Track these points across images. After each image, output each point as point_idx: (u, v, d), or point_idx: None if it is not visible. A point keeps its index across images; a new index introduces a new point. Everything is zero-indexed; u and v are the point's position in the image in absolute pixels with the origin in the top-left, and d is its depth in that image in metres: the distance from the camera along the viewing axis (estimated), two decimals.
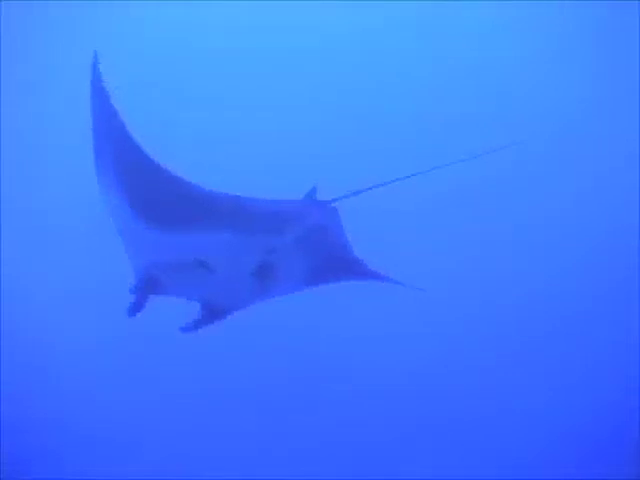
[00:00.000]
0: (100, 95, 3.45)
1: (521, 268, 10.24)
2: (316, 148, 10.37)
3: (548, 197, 10.45)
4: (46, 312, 9.99)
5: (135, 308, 3.62)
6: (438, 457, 9.48)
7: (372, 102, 10.96)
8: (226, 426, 9.67)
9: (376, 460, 9.59)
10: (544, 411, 9.67)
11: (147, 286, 3.62)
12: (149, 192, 3.48)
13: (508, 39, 10.64)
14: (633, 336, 9.54)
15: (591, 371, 9.71)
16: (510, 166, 9.98)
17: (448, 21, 10.70)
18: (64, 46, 9.92)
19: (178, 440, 9.68)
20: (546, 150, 10.41)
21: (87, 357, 9.92)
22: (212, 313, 3.72)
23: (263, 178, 7.69)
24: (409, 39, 10.86)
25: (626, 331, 9.62)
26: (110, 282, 8.58)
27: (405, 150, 9.84)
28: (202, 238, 3.50)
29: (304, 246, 3.69)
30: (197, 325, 3.71)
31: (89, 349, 9.94)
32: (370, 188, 3.84)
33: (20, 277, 10.02)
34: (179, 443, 9.68)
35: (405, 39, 10.88)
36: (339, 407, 9.68)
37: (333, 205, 3.88)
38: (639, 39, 9.56)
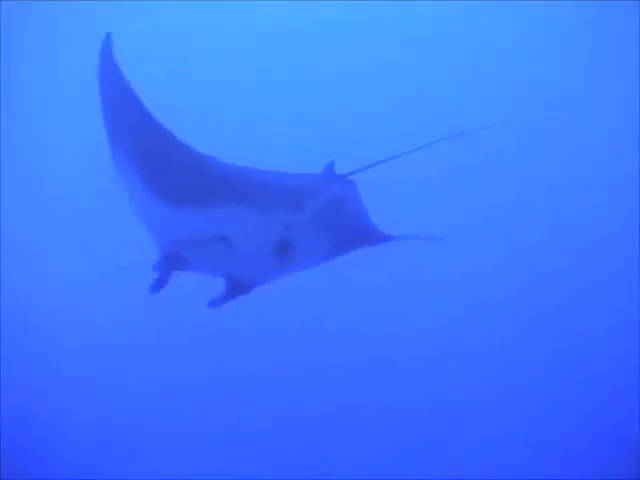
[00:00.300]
0: (110, 71, 3.43)
1: (522, 256, 10.32)
2: (332, 123, 10.46)
3: (548, 183, 10.55)
4: (57, 300, 10.02)
5: (158, 284, 3.66)
6: (437, 453, 9.50)
7: (385, 78, 11.14)
8: (240, 408, 9.69)
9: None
10: (544, 411, 9.71)
11: (169, 262, 3.64)
12: (165, 169, 3.44)
13: (511, 28, 10.81)
14: (634, 335, 9.58)
15: (591, 370, 9.77)
16: (516, 145, 10.14)
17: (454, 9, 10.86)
18: (72, 30, 9.98)
19: (192, 429, 9.75)
20: (547, 136, 10.54)
21: (91, 350, 9.95)
22: (236, 288, 3.77)
23: (281, 153, 7.73)
24: (420, 21, 11.01)
25: (627, 329, 9.67)
26: (125, 265, 8.68)
27: (418, 123, 9.87)
28: (221, 213, 3.48)
29: (323, 220, 3.71)
30: (222, 300, 3.77)
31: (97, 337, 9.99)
32: (385, 160, 3.82)
33: (32, 263, 10.06)
34: (193, 432, 9.75)
35: (416, 21, 11.02)
36: (354, 381, 9.81)
37: (350, 178, 3.87)
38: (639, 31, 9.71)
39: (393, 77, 11.09)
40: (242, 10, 11.00)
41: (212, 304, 3.77)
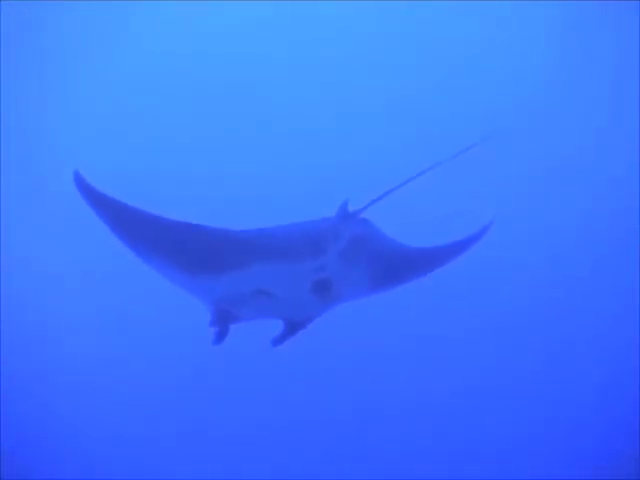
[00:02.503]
0: (96, 199, 3.74)
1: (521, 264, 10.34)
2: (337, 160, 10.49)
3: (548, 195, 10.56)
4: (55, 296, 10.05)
5: (219, 338, 3.93)
6: (438, 451, 9.59)
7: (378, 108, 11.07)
8: (244, 411, 9.77)
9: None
10: (544, 412, 9.76)
11: (221, 319, 3.89)
12: (190, 252, 3.77)
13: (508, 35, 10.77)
14: (634, 336, 9.62)
15: (592, 369, 9.82)
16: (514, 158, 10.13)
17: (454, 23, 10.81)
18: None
19: (191, 430, 9.81)
20: (547, 145, 10.55)
21: (90, 350, 9.97)
22: (294, 326, 3.97)
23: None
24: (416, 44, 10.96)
25: (628, 330, 9.71)
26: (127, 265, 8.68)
27: (418, 150, 9.86)
28: (252, 272, 3.75)
29: (351, 257, 3.90)
30: (284, 337, 3.98)
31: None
32: (387, 193, 3.98)
33: (33, 265, 10.05)
34: (193, 433, 9.82)
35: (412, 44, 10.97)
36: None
37: (362, 216, 4.02)
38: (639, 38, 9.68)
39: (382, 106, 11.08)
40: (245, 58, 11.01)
41: (275, 342, 3.97)
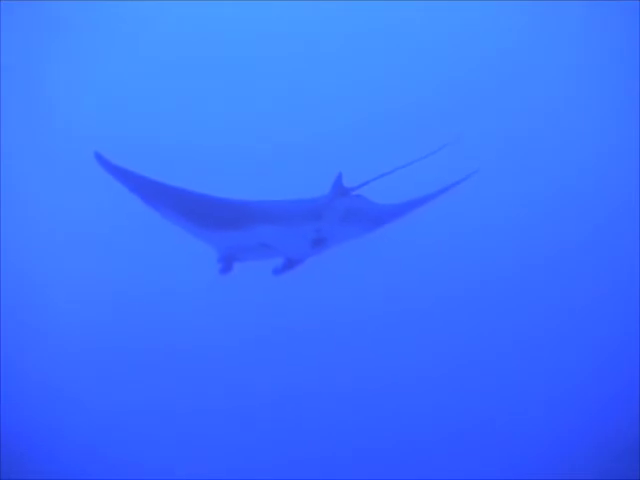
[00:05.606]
0: (120, 173, 4.33)
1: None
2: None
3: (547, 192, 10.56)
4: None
5: (224, 270, 4.70)
6: (439, 449, 9.55)
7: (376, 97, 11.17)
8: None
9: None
10: (544, 412, 9.73)
11: (227, 259, 4.68)
12: (206, 214, 4.45)
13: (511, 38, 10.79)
14: (634, 336, 9.58)
15: (592, 369, 9.79)
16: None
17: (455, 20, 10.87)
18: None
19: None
20: (547, 137, 10.57)
21: (90, 349, 9.99)
22: (292, 262, 4.69)
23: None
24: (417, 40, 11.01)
25: (627, 330, 9.68)
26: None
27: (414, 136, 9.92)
28: (257, 231, 4.46)
29: (345, 222, 4.51)
30: (283, 269, 4.74)
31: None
32: (382, 175, 4.38)
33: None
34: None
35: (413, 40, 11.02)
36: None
37: (356, 193, 4.44)
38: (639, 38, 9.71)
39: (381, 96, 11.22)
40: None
41: (276, 272, 4.75)
